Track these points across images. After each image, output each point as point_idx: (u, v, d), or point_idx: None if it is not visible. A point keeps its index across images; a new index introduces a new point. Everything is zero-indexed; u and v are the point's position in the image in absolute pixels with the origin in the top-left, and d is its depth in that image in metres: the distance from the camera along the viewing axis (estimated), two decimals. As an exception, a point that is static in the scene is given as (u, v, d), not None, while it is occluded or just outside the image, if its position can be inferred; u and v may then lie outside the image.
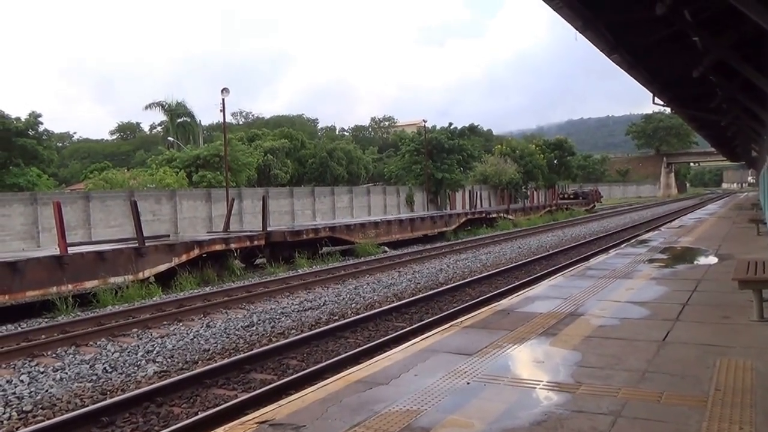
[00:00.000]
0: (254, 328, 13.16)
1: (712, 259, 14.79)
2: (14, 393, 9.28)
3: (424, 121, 59.37)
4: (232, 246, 21.13)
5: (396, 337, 11.42)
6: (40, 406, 8.75)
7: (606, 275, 12.63)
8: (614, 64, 15.46)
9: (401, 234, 31.45)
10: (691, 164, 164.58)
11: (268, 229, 24.33)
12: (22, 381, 9.88)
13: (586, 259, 20.00)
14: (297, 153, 63.11)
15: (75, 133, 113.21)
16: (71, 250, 16.80)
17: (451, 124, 68.74)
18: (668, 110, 26.39)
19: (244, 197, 41.05)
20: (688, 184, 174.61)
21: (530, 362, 6.66)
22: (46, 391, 9.38)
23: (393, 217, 34.73)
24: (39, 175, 39.61)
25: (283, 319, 13.96)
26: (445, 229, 35.59)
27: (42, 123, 38.65)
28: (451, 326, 8.48)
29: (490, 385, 5.87)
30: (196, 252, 19.75)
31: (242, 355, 10.58)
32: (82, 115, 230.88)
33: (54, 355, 11.43)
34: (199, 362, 10.79)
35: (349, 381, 6.16)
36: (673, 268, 13.65)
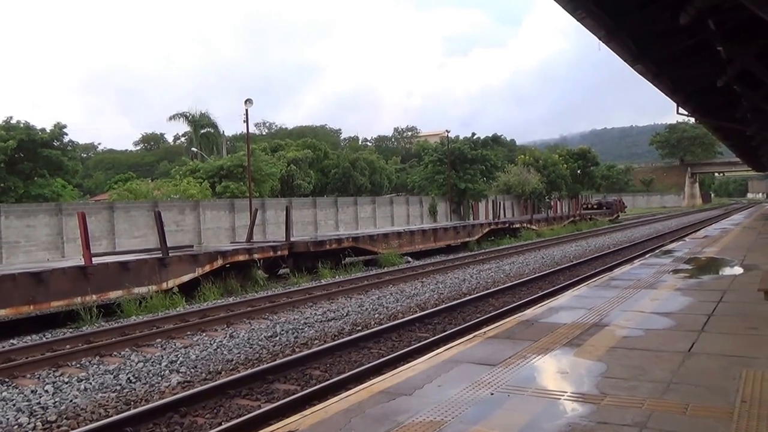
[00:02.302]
0: (277, 338, 13.18)
1: (738, 270, 14.63)
2: (39, 403, 9.34)
3: (447, 132, 59.46)
4: (256, 256, 21.19)
5: (419, 347, 11.38)
6: (65, 416, 8.79)
7: (630, 286, 12.53)
8: (638, 74, 15.41)
9: (424, 244, 31.40)
10: (716, 174, 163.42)
11: (292, 239, 24.37)
12: (46, 391, 9.94)
13: (610, 269, 19.88)
14: (320, 163, 63.32)
15: (99, 143, 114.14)
16: (96, 260, 16.91)
17: (474, 134, 68.76)
18: (692, 120, 26.26)
19: (267, 208, 41.24)
20: (712, 194, 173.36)
21: (554, 373, 6.62)
22: (71, 401, 9.43)
23: (416, 228, 34.70)
24: (64, 186, 39.99)
25: (306, 329, 13.98)
26: (468, 239, 35.51)
27: (67, 134, 39.00)
28: (474, 337, 8.45)
29: (514, 396, 5.84)
30: (219, 262, 19.82)
31: (265, 366, 10.57)
32: (106, 125, 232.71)
33: (78, 366, 11.49)
34: (223, 372, 10.81)
35: (372, 391, 6.15)
36: (698, 278, 13.52)
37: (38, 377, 10.82)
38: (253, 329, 14.06)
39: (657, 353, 7.14)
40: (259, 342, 12.85)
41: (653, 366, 6.63)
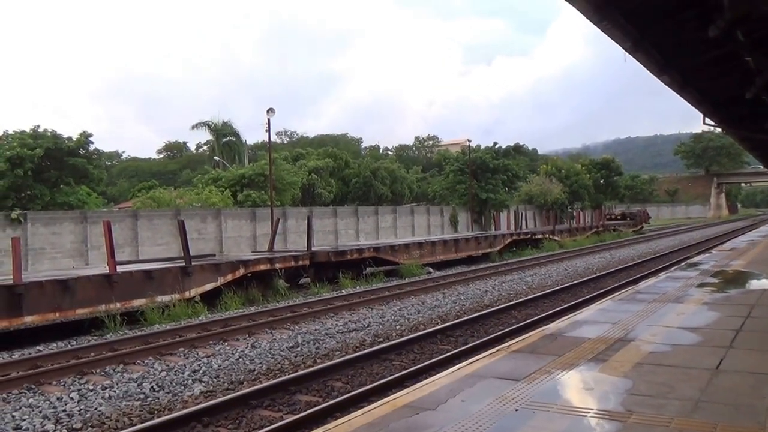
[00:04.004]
0: (299, 348, 13.17)
1: (766, 284, 14.45)
2: (64, 410, 9.41)
3: (469, 141, 59.33)
4: (277, 266, 21.23)
5: (441, 360, 11.33)
6: (90, 424, 8.84)
7: (656, 299, 12.39)
8: (664, 84, 15.27)
9: (445, 255, 31.30)
10: (743, 185, 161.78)
11: (313, 249, 24.41)
12: (72, 398, 10.01)
13: (635, 282, 19.73)
14: (341, 172, 63.43)
15: (123, 152, 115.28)
16: (120, 268, 17.03)
17: (495, 143, 68.70)
18: (718, 130, 26.01)
19: (288, 217, 41.36)
20: (739, 205, 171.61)
21: (580, 389, 6.55)
22: (96, 409, 9.48)
23: (437, 238, 34.62)
24: (88, 194, 40.21)
25: (327, 340, 13.96)
26: (489, 250, 35.38)
27: (92, 142, 39.14)
28: (498, 350, 8.39)
29: (539, 412, 5.77)
30: (241, 272, 19.88)
31: (287, 377, 10.57)
32: (130, 134, 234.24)
33: (103, 373, 11.57)
34: (245, 382, 10.81)
35: (396, 405, 6.11)
36: (726, 292, 13.35)
37: (64, 384, 10.91)
38: (275, 339, 14.08)
39: (684, 370, 7.04)
40: (281, 352, 12.85)
41: (681, 383, 6.53)
